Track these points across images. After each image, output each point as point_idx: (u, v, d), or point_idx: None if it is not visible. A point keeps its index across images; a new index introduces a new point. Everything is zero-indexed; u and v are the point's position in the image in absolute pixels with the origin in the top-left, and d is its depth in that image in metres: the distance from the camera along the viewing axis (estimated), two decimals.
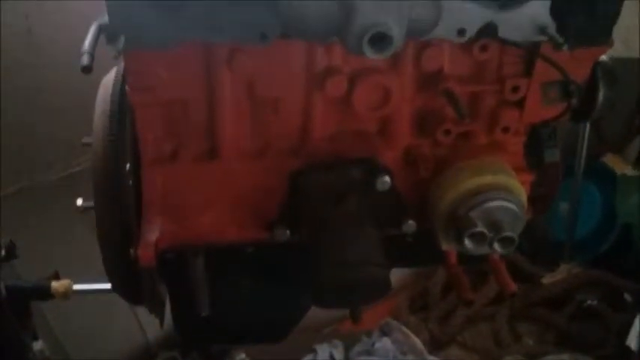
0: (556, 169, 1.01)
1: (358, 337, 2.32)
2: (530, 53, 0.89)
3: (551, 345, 2.50)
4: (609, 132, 2.69)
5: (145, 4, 0.75)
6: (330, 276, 0.89)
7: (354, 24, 0.71)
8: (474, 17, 0.82)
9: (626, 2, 0.85)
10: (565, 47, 0.85)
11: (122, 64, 0.96)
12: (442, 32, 0.81)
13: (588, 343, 2.42)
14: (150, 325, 2.07)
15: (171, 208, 0.94)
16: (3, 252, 1.37)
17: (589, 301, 2.54)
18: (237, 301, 1.06)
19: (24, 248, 1.44)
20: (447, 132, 0.95)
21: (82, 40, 0.84)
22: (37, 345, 1.56)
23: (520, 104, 0.94)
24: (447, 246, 0.97)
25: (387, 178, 0.92)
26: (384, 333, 2.33)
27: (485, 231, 0.90)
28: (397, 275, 2.33)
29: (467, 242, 0.91)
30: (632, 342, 2.25)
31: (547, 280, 2.65)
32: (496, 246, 0.91)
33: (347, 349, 2.29)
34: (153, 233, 0.92)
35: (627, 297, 2.53)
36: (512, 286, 1.06)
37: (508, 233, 0.90)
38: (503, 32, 0.84)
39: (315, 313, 1.06)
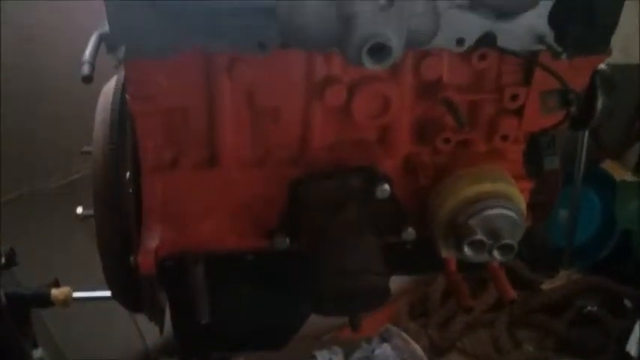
0: (555, 177, 1.02)
1: (358, 343, 2.31)
2: (528, 62, 0.90)
3: (550, 351, 2.50)
4: (608, 138, 2.69)
5: (145, 14, 0.76)
6: (329, 284, 0.89)
7: (354, 34, 0.71)
8: (473, 27, 0.82)
9: (624, 9, 0.85)
10: (564, 56, 0.85)
11: (122, 73, 0.97)
12: (441, 42, 0.82)
13: (588, 350, 2.42)
14: (149, 332, 2.07)
15: (171, 215, 0.94)
16: (3, 260, 1.37)
17: (589, 308, 2.54)
18: (237, 309, 1.07)
19: (24, 255, 1.44)
20: (447, 140, 0.95)
21: (83, 47, 0.85)
22: (37, 353, 1.55)
23: (519, 112, 0.94)
24: (446, 253, 0.97)
25: (386, 187, 0.93)
26: (384, 339, 2.32)
27: (484, 239, 0.90)
28: (397, 281, 2.33)
29: (466, 250, 0.91)
30: (632, 348, 2.25)
31: (547, 286, 2.64)
32: (495, 253, 0.91)
33: (347, 355, 2.28)
34: (153, 241, 0.93)
35: (627, 303, 2.52)
36: (512, 293, 1.06)
37: (507, 241, 0.90)
38: (501, 41, 0.84)
39: (315, 320, 1.06)
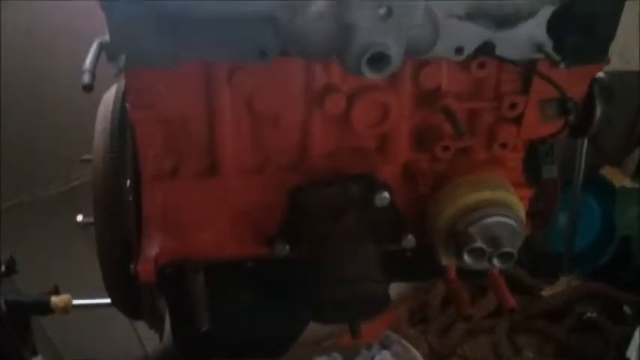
0: (554, 185, 1.02)
1: (358, 350, 2.30)
2: (527, 71, 0.90)
3: (550, 357, 2.49)
4: (608, 145, 2.69)
5: (145, 23, 0.76)
6: (328, 292, 0.90)
7: (353, 44, 0.72)
8: (472, 36, 0.83)
9: (622, 14, 0.86)
10: (562, 65, 0.86)
11: (122, 81, 0.97)
12: (440, 51, 0.82)
13: (588, 356, 2.41)
14: (149, 339, 2.06)
15: (171, 223, 0.94)
16: (3, 268, 1.37)
17: (588, 314, 2.53)
18: (237, 316, 1.07)
19: (24, 262, 1.44)
20: (446, 148, 0.95)
21: (83, 48, 0.85)
22: None
23: (518, 121, 0.95)
24: (446, 261, 0.97)
25: (386, 194, 0.93)
26: (384, 346, 2.32)
27: (484, 246, 0.90)
28: (397, 288, 2.33)
29: (466, 257, 0.91)
30: (631, 354, 2.24)
31: (546, 292, 2.64)
32: (495, 261, 0.91)
33: None
34: (153, 249, 0.93)
35: (627, 309, 2.52)
36: (512, 302, 1.07)
37: (507, 249, 0.90)
38: (500, 50, 0.84)
39: (315, 327, 1.06)
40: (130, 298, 1.01)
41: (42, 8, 1.67)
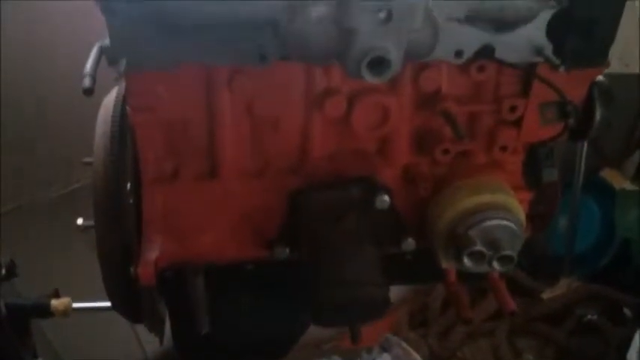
0: (554, 188, 1.02)
1: (358, 353, 2.30)
2: (527, 74, 0.90)
3: None
4: (608, 147, 2.69)
5: (145, 27, 0.76)
6: (328, 295, 0.90)
7: (353, 48, 0.72)
8: (472, 39, 0.83)
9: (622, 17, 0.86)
10: (562, 68, 0.86)
11: (123, 85, 0.97)
12: (440, 54, 0.82)
13: (588, 358, 2.41)
14: (149, 342, 2.06)
15: (172, 226, 0.95)
16: (3, 271, 1.37)
17: (589, 316, 2.54)
18: (237, 319, 1.07)
19: (24, 265, 1.44)
20: (446, 151, 0.95)
21: (83, 49, 0.85)
22: None
23: (518, 124, 0.95)
24: (446, 264, 0.97)
25: (386, 197, 0.93)
26: (384, 349, 2.32)
27: (484, 249, 0.90)
28: (397, 291, 2.33)
29: (466, 261, 0.91)
30: (632, 357, 2.24)
31: (547, 295, 2.64)
32: (495, 264, 0.91)
33: None
34: (153, 252, 0.93)
35: (627, 311, 2.52)
36: (512, 305, 1.06)
37: (507, 252, 0.90)
38: (500, 53, 0.85)
39: (315, 330, 1.06)
40: (131, 301, 1.01)
41: (42, 8, 1.67)
